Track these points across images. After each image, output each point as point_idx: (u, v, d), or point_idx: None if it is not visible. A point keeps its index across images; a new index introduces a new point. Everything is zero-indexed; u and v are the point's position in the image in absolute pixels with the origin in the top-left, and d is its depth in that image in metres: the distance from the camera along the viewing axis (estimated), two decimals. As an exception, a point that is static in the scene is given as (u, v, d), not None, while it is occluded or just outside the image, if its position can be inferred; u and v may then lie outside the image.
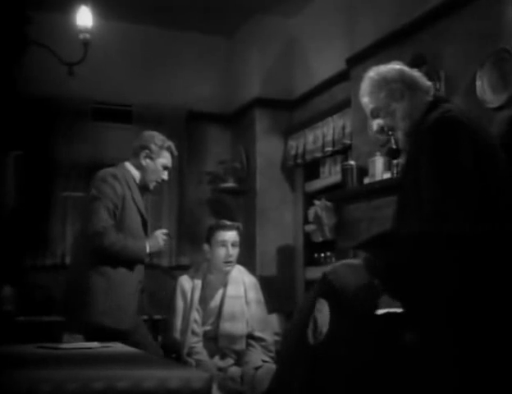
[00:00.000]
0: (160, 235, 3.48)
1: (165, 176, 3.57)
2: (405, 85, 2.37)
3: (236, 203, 6.04)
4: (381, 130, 2.43)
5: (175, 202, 6.03)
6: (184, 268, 5.57)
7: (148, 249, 3.40)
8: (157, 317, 4.29)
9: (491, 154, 2.19)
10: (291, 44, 5.85)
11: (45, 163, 5.63)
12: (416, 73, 2.43)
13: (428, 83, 2.43)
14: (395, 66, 2.44)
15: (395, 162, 3.99)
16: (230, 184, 5.96)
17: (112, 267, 3.33)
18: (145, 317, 3.97)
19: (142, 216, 3.47)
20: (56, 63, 4.55)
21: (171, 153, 3.58)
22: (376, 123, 2.44)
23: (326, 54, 5.27)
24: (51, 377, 1.91)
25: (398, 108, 2.36)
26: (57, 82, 5.30)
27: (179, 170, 6.01)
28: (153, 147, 3.51)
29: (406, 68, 2.45)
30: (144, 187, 3.53)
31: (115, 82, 5.82)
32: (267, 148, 5.82)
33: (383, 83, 2.39)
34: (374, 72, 2.44)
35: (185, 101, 6.06)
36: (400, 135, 2.40)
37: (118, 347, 2.87)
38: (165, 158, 3.55)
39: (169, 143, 3.57)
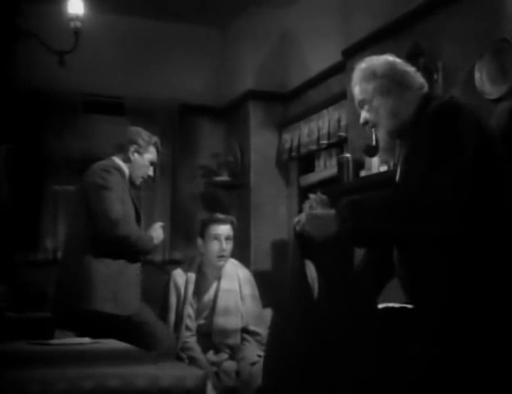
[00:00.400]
0: (159, 227, 3.49)
1: (151, 172, 3.61)
2: (394, 82, 2.26)
3: (230, 197, 5.98)
4: (366, 123, 2.34)
5: (167, 196, 5.96)
6: (177, 263, 5.51)
7: (152, 244, 3.41)
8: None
9: (491, 146, 2.12)
10: (286, 36, 5.78)
11: (36, 157, 5.55)
12: (409, 68, 2.33)
13: (421, 80, 2.32)
14: (388, 59, 2.34)
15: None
16: (223, 178, 5.89)
17: (113, 258, 3.35)
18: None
19: (136, 210, 3.46)
20: (47, 56, 4.49)
21: (157, 149, 3.62)
22: (362, 115, 2.35)
23: (321, 46, 5.20)
24: (40, 376, 1.85)
25: (382, 104, 2.25)
26: (47, 75, 5.23)
27: (171, 164, 5.95)
28: (141, 142, 3.54)
29: (400, 62, 2.34)
30: (131, 183, 3.53)
31: (107, 74, 5.74)
32: (261, 142, 5.75)
33: (372, 76, 2.29)
34: (365, 63, 2.35)
35: (178, 94, 5.98)
36: (381, 132, 2.28)
37: (110, 343, 2.81)
38: (152, 154, 3.59)
39: (155, 138, 3.62)
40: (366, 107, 2.31)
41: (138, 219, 3.51)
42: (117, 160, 3.53)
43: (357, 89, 2.35)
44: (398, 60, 2.35)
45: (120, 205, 3.30)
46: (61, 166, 5.62)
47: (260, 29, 5.80)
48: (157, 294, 4.08)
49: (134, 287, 3.43)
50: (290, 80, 5.73)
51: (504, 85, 3.32)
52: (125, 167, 3.52)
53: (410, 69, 2.32)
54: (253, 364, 3.68)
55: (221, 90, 6.19)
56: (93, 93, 5.77)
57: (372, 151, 2.39)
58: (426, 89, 2.34)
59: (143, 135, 3.59)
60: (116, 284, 3.32)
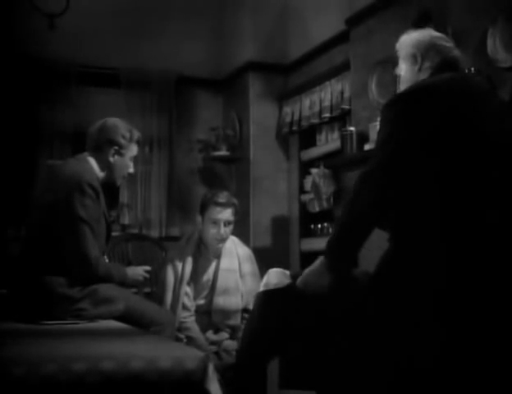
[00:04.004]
0: (141, 271, 3.20)
1: (132, 169, 3.22)
2: (419, 52, 2.34)
3: (229, 171, 5.86)
4: None
5: (164, 171, 5.83)
6: (174, 239, 5.39)
7: (126, 280, 3.13)
8: (147, 290, 4.10)
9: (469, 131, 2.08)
10: (287, 4, 5.61)
11: (28, 129, 5.40)
12: (443, 42, 2.35)
13: (448, 55, 2.31)
14: (425, 32, 2.40)
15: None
16: (222, 152, 5.77)
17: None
18: (134, 290, 3.77)
19: (108, 225, 3.17)
20: (39, 24, 4.33)
21: (139, 143, 3.23)
22: None
23: (323, 14, 5.04)
24: (25, 356, 1.69)
25: (405, 73, 2.39)
26: (40, 44, 5.09)
27: (168, 137, 5.82)
28: (122, 141, 3.12)
29: (435, 36, 2.37)
30: (109, 185, 3.17)
31: (101, 44, 5.59)
32: (261, 115, 5.61)
33: (407, 44, 2.39)
34: (411, 32, 2.43)
35: (175, 65, 5.84)
36: None
37: (105, 323, 2.68)
38: (134, 151, 3.19)
39: (137, 134, 3.20)
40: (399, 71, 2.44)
41: (108, 237, 3.17)
42: (92, 163, 3.10)
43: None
44: (436, 34, 2.39)
45: (94, 240, 2.93)
46: (54, 139, 5.48)
47: (260, -3, 5.64)
48: (152, 270, 3.95)
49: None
50: (291, 50, 5.58)
51: (519, 52, 3.18)
52: (99, 171, 3.11)
53: (442, 43, 2.35)
54: (253, 343, 3.56)
55: (220, 61, 6.04)
56: (87, 65, 5.62)
57: None
58: (449, 64, 2.30)
59: (122, 131, 3.13)
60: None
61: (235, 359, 2.68)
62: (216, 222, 3.58)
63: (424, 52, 2.33)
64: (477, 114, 2.13)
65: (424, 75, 2.30)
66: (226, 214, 3.60)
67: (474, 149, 2.05)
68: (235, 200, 3.68)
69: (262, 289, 2.41)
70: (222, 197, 3.61)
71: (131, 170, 3.23)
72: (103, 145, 3.12)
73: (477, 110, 2.14)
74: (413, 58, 2.35)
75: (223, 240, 3.63)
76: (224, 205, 3.59)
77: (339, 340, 2.17)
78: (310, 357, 2.25)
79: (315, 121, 5.09)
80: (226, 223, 3.60)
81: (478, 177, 2.03)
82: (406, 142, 2.07)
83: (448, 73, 2.25)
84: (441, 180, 2.02)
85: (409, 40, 2.39)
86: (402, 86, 2.40)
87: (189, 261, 3.63)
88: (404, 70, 2.40)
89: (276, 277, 2.40)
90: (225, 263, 3.69)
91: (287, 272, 2.43)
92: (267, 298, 2.36)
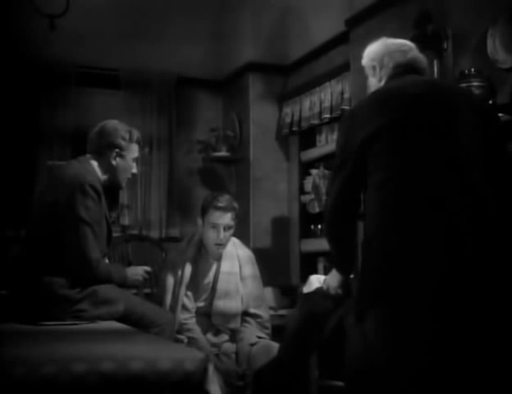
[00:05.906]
0: (141, 272, 3.20)
1: (135, 169, 3.24)
2: (378, 63, 2.43)
3: (228, 172, 5.84)
4: None
5: (164, 172, 5.81)
6: (174, 240, 5.39)
7: (126, 281, 3.14)
8: (147, 291, 4.10)
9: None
10: (287, 5, 5.58)
11: (28, 130, 5.40)
12: (401, 48, 2.41)
13: (404, 58, 2.38)
14: (380, 42, 2.48)
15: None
16: (222, 153, 5.75)
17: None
18: (134, 291, 3.77)
19: (109, 227, 3.16)
20: (39, 25, 4.32)
21: (139, 143, 3.25)
22: None
23: (323, 15, 5.02)
24: (24, 357, 1.69)
25: (370, 84, 2.48)
26: (40, 45, 5.08)
27: (168, 138, 5.81)
28: (123, 143, 3.14)
29: (390, 43, 2.44)
30: (113, 187, 3.21)
31: (101, 45, 5.55)
32: (261, 115, 5.60)
33: (366, 58, 2.49)
34: (370, 45, 2.51)
35: (175, 66, 5.83)
36: None
37: (105, 324, 2.67)
38: (135, 152, 3.21)
39: (137, 133, 3.22)
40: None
41: (109, 239, 3.18)
42: (95, 166, 3.12)
43: None
44: (391, 41, 2.46)
45: (95, 242, 2.95)
46: (54, 140, 5.47)
47: (260, -2, 5.63)
48: (152, 271, 3.95)
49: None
50: (291, 50, 5.57)
51: (519, 53, 3.18)
52: (101, 175, 3.13)
53: (397, 48, 2.41)
54: (253, 344, 3.56)
55: (220, 62, 6.01)
56: (88, 66, 5.62)
57: None
58: (403, 68, 2.37)
59: (122, 133, 3.15)
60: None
61: (278, 353, 3.03)
62: (215, 227, 3.56)
63: (380, 61, 2.42)
64: (419, 117, 2.15)
65: (377, 86, 2.41)
66: (226, 219, 3.57)
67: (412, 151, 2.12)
68: (235, 204, 3.65)
69: (304, 292, 2.98)
70: (223, 201, 3.58)
71: (134, 170, 3.25)
72: (104, 149, 3.14)
73: (421, 113, 2.17)
74: (373, 70, 2.45)
75: (222, 244, 3.61)
76: (224, 209, 3.56)
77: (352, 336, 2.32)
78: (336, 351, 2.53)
79: (315, 121, 5.09)
80: (226, 228, 3.58)
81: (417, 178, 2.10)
82: (350, 150, 2.21)
83: (397, 79, 2.33)
84: (381, 183, 2.13)
85: (368, 53, 2.48)
86: None
87: (189, 264, 3.62)
88: (369, 82, 2.49)
89: (315, 281, 2.93)
90: (225, 266, 3.67)
91: (322, 278, 2.89)
92: (305, 300, 2.89)
